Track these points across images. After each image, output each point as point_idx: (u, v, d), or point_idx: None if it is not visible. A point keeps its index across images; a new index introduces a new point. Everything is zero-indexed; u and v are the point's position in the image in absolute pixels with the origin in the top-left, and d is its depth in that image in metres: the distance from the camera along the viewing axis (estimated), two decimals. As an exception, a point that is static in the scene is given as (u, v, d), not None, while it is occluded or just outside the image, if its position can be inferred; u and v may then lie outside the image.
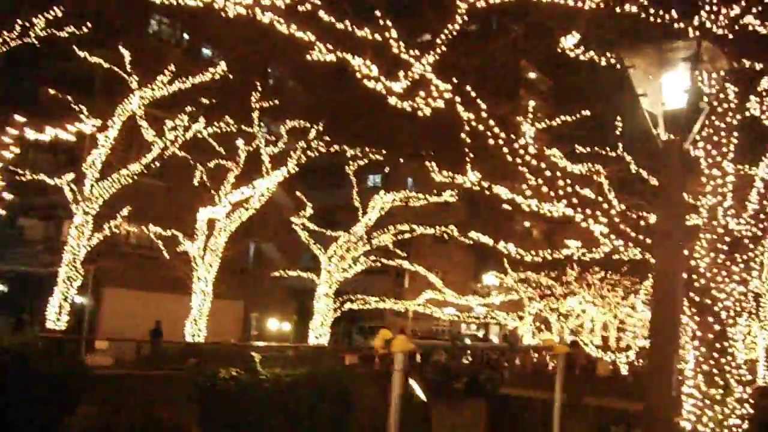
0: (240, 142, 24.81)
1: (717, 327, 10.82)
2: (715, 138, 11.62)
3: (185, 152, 24.77)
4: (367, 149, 26.03)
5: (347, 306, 28.64)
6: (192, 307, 24.45)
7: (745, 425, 10.97)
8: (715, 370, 10.71)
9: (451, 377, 29.47)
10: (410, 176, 35.91)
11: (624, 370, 26.59)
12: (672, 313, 6.02)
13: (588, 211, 11.11)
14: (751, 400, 11.19)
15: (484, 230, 23.81)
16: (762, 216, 12.04)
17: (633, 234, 11.00)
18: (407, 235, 29.21)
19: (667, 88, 5.57)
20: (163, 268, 26.35)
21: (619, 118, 16.97)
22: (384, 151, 25.94)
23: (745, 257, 11.71)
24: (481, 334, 48.81)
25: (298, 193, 29.89)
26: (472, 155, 13.50)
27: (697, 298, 10.85)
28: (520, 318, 35.36)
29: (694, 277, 10.84)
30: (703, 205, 11.86)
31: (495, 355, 30.20)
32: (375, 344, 4.39)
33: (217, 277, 25.20)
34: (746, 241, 11.83)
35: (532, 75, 57.58)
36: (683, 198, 6.03)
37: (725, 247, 11.37)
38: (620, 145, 18.33)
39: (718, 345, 10.82)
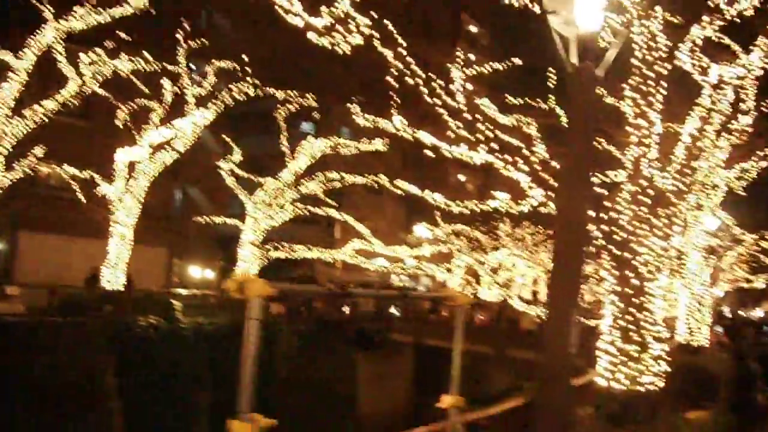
0: (166, 82, 23.43)
1: (636, 282, 10.38)
2: (643, 87, 11.09)
3: (107, 91, 23.33)
4: (297, 93, 24.91)
5: (273, 254, 27.76)
6: (109, 253, 23.29)
7: (660, 382, 10.62)
8: (631, 326, 10.29)
9: (326, 326, 29.17)
10: (343, 124, 34.88)
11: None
12: (572, 265, 5.38)
13: (509, 158, 10.52)
14: (668, 357, 10.84)
15: (417, 181, 23.11)
16: (687, 171, 11.60)
17: (554, 183, 10.46)
18: (337, 184, 28.35)
19: (580, 6, 4.88)
20: (82, 212, 25.03)
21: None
22: (314, 96, 24.82)
23: (668, 212, 11.27)
24: (423, 286, 48.50)
25: (226, 138, 28.75)
26: (399, 100, 12.74)
27: (617, 252, 10.37)
28: (449, 270, 35.02)
29: (615, 229, 10.36)
30: (628, 156, 11.37)
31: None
32: (227, 286, 3.49)
33: (140, 222, 24.02)
34: (670, 195, 11.40)
35: (473, 29, 56.68)
36: (590, 132, 5.37)
37: (648, 200, 10.90)
38: (552, 96, 17.77)
39: (636, 300, 10.39)
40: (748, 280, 39.34)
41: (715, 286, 33.67)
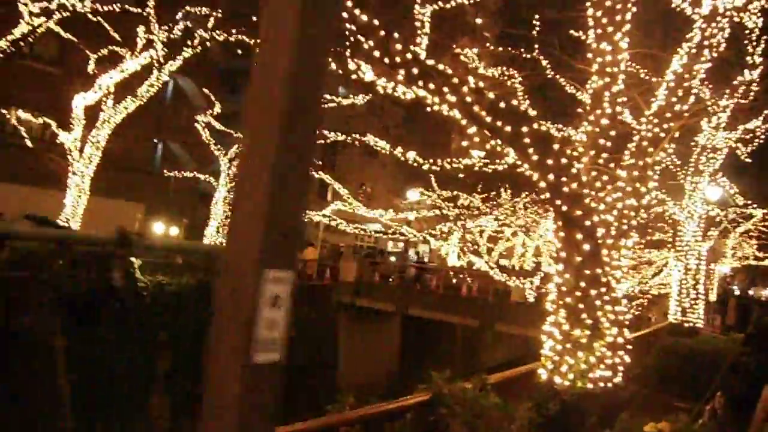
0: (139, 29, 20.99)
1: (588, 247, 7.76)
2: (608, 2, 8.38)
3: (79, 37, 21.00)
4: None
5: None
6: (66, 205, 21.01)
7: (618, 378, 8.05)
8: (581, 305, 7.70)
9: (310, 292, 26.71)
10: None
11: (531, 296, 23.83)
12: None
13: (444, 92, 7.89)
14: (628, 347, 8.24)
15: (416, 145, 20.69)
16: (667, 115, 8.88)
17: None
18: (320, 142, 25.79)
19: None
20: (41, 161, 22.74)
21: None
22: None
23: (641, 162, 8.62)
24: (414, 253, 45.94)
25: (206, 91, 26.35)
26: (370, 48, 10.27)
27: (565, 208, 7.75)
28: (444, 238, 32.45)
29: (565, 179, 7.73)
30: (587, 88, 8.70)
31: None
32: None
33: (117, 176, 21.71)
34: (645, 143, 8.71)
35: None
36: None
37: (609, 144, 8.25)
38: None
39: (587, 271, 7.77)
40: (757, 258, 36.58)
41: (719, 262, 30.95)
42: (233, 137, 25.57)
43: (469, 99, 7.51)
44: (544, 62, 15.33)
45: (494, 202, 31.48)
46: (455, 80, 7.48)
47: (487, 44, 18.18)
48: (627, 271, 8.47)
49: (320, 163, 26.77)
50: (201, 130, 25.14)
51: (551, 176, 7.76)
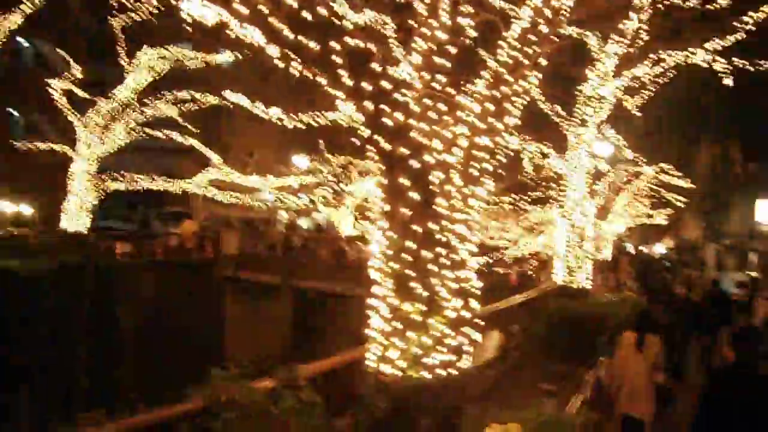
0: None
1: (416, 196, 5.79)
2: None
3: None
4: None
5: (112, 186, 22.58)
6: None
7: (464, 362, 6.15)
8: (410, 271, 5.73)
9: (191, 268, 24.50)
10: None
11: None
12: None
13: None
14: (479, 322, 6.34)
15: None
16: (532, 38, 6.93)
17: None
18: (193, 106, 23.20)
19: None
20: None
21: None
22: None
23: (497, 93, 6.69)
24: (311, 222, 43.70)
25: (62, 53, 23.34)
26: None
27: (386, 147, 5.75)
28: (335, 207, 30.35)
29: (386, 109, 5.72)
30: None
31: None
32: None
33: None
34: (503, 72, 6.77)
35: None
36: None
37: (448, 64, 6.27)
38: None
39: (417, 228, 5.81)
40: (649, 216, 35.94)
41: (612, 220, 29.96)
42: (95, 104, 22.66)
43: (264, 9, 5.44)
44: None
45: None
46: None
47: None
48: (481, 228, 6.55)
49: (197, 130, 24.05)
50: (58, 97, 22.11)
51: (369, 104, 5.75)
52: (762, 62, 13.92)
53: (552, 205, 16.67)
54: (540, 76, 7.19)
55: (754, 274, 28.48)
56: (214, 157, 23.20)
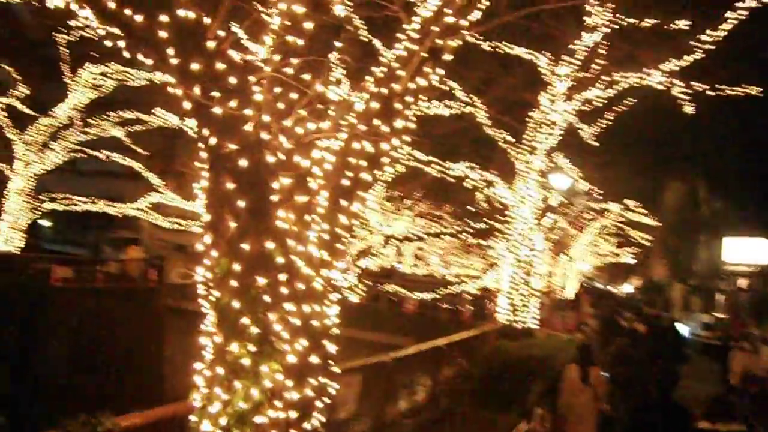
0: None
1: (242, 204, 4.44)
2: None
3: None
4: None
5: (49, 206, 21.11)
6: None
7: (313, 420, 4.66)
8: (236, 303, 4.35)
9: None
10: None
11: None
12: None
13: None
14: (334, 369, 4.88)
15: None
16: (434, 29, 5.59)
17: None
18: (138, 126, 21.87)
19: None
20: None
21: None
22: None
23: (384, 90, 5.34)
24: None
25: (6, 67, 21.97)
26: None
27: (212, 139, 4.40)
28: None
29: (217, 95, 4.37)
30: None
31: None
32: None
33: None
34: (396, 67, 5.41)
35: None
36: None
37: (301, 43, 4.94)
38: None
39: (246, 246, 4.45)
40: (616, 254, 34.93)
41: (576, 258, 28.77)
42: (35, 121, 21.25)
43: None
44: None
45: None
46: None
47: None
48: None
49: (147, 153, 22.68)
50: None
51: (197, 89, 4.42)
52: (722, 87, 12.82)
53: (497, 238, 15.36)
54: (442, 72, 5.88)
55: (720, 315, 27.32)
56: (156, 180, 21.76)
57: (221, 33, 4.63)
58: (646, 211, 25.70)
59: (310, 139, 4.88)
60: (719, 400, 6.54)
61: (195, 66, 4.47)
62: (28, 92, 20.85)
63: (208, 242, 4.55)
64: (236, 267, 4.44)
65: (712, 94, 12.84)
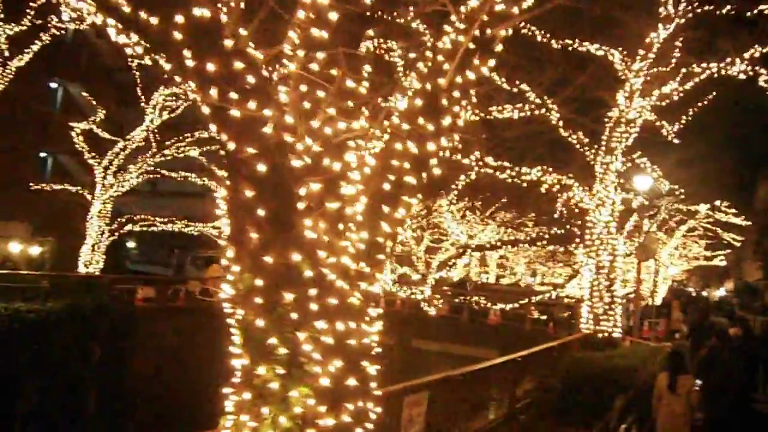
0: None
1: (263, 213, 4.03)
2: None
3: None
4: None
5: (128, 227, 21.48)
6: None
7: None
8: (261, 321, 3.97)
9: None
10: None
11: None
12: None
13: None
14: (376, 392, 4.35)
15: None
16: (484, 18, 5.08)
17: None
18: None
19: None
20: None
21: None
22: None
23: (428, 86, 4.85)
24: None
25: (85, 95, 22.65)
26: None
27: (230, 144, 4.04)
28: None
29: (236, 97, 4.01)
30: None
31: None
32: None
33: None
34: (442, 61, 4.91)
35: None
36: None
37: (326, 36, 4.53)
38: None
39: (270, 260, 4.04)
40: (707, 258, 33.21)
41: (662, 263, 27.36)
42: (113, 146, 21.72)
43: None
44: None
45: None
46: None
47: None
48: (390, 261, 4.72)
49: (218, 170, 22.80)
50: (76, 138, 21.27)
51: (214, 92, 4.07)
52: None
53: (577, 244, 14.55)
54: (492, 64, 5.35)
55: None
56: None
57: (241, 31, 4.26)
58: (736, 211, 24.25)
59: (341, 140, 4.43)
60: None
61: (211, 66, 4.11)
62: (104, 117, 21.30)
63: (231, 256, 4.14)
64: (259, 282, 4.02)
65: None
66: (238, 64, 4.15)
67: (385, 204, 4.65)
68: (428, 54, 5.01)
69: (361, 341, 4.30)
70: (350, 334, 4.22)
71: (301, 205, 4.12)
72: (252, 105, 4.10)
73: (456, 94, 4.99)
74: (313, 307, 4.07)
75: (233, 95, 4.10)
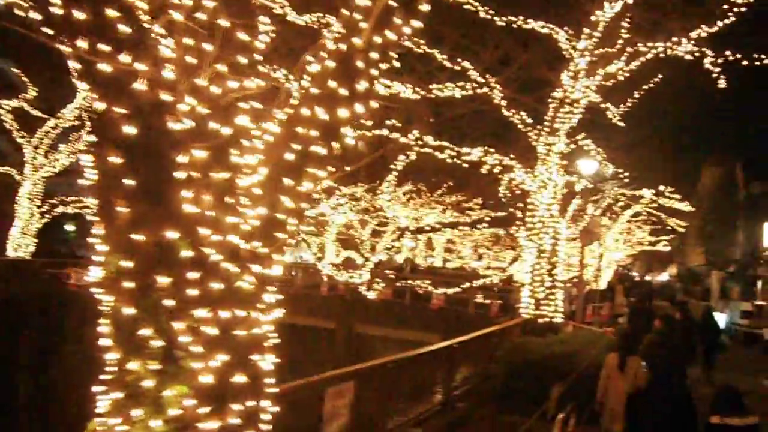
0: None
1: (132, 183, 3.41)
2: None
3: None
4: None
5: (60, 209, 20.49)
6: None
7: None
8: (130, 309, 3.34)
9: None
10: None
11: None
12: None
13: None
14: (270, 388, 3.81)
15: None
16: None
17: None
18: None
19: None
20: None
21: None
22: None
23: (343, 46, 4.28)
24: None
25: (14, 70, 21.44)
26: None
27: (99, 106, 3.38)
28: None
29: (106, 49, 3.33)
30: None
31: None
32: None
33: None
34: (358, 19, 4.33)
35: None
36: None
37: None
38: None
39: (141, 238, 3.42)
40: (651, 243, 33.42)
41: (607, 247, 27.37)
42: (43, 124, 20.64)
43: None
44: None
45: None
46: None
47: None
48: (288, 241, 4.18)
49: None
50: (5, 115, 20.14)
51: (83, 43, 3.46)
52: (759, 56, 11.48)
53: (519, 227, 14.19)
54: (418, 25, 4.80)
55: (760, 302, 25.81)
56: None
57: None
58: (680, 197, 24.27)
59: (232, 101, 3.85)
60: (726, 394, 6.11)
61: (80, 15, 3.48)
62: (35, 94, 20.21)
63: (99, 233, 3.54)
64: (129, 264, 3.43)
65: (746, 63, 11.54)
66: (112, 12, 3.53)
67: (287, 176, 4.11)
68: (343, 11, 4.46)
69: (251, 331, 3.75)
70: (238, 324, 3.67)
71: (180, 175, 3.54)
72: (125, 58, 3.49)
73: (374, 55, 4.46)
74: (193, 292, 3.50)
75: (104, 47, 3.49)
